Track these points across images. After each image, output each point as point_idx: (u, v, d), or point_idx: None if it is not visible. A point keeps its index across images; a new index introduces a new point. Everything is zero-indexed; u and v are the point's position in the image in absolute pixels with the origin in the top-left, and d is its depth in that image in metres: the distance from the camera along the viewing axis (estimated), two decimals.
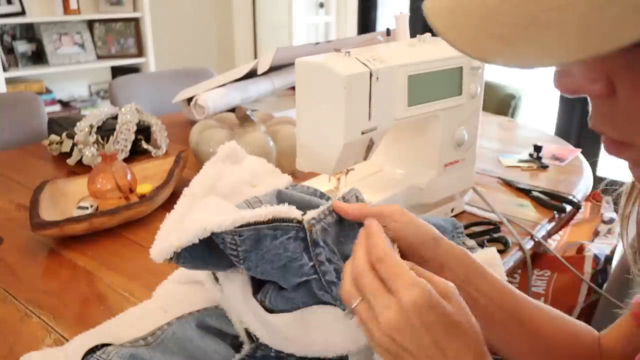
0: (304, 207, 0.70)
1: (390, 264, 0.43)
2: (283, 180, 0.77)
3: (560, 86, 0.33)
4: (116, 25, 3.21)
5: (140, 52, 3.27)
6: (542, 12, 0.27)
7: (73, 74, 3.18)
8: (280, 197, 0.68)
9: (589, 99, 0.34)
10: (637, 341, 0.51)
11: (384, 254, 0.44)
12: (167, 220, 0.65)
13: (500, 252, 0.82)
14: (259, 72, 1.37)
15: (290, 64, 1.49)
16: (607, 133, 0.34)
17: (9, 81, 2.80)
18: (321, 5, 3.54)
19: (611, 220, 1.17)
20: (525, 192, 1.06)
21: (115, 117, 1.29)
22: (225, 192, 0.74)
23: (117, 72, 3.19)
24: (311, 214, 0.51)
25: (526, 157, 1.25)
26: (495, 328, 0.53)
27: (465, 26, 0.30)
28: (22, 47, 2.96)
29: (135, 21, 3.22)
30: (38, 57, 3.00)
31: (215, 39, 3.79)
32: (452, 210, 0.96)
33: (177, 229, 0.51)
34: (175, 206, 0.68)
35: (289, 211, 0.50)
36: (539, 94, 2.69)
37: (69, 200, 0.99)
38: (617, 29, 0.25)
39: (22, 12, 2.83)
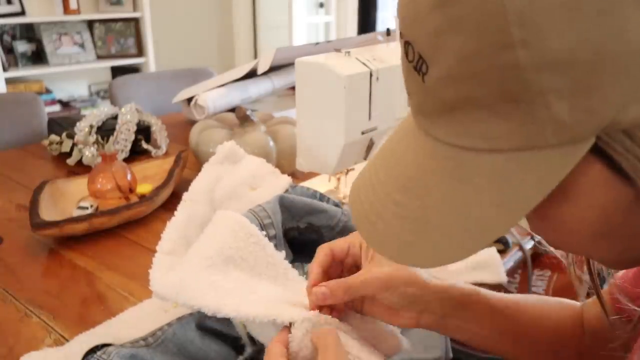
0: (305, 211, 0.70)
1: None
2: (282, 182, 0.77)
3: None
4: (116, 25, 3.20)
5: (140, 52, 3.26)
6: (430, 222, 0.33)
7: (73, 74, 3.18)
8: (282, 203, 0.68)
9: None
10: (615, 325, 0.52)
11: None
12: (168, 230, 0.65)
13: (500, 252, 0.82)
14: (259, 72, 1.37)
15: (290, 64, 1.49)
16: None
17: (9, 81, 2.80)
18: (321, 5, 3.54)
19: None
20: None
21: (115, 117, 1.29)
22: (225, 196, 0.74)
23: (117, 72, 3.19)
24: None
25: None
26: (481, 342, 0.54)
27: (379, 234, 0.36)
28: (22, 47, 2.95)
29: (135, 21, 3.22)
30: (38, 57, 3.00)
31: (215, 39, 3.79)
32: None
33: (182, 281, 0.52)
34: (175, 213, 0.68)
35: None
36: None
37: (69, 200, 0.99)
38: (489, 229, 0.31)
39: (22, 12, 2.83)
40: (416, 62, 0.32)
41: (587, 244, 0.34)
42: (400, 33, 0.34)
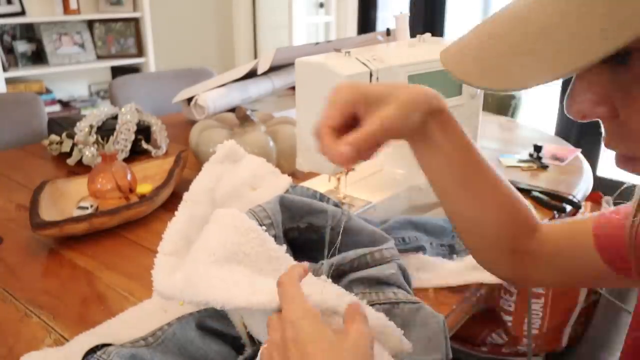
0: (305, 212, 0.70)
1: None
2: (283, 182, 0.77)
3: (572, 113, 0.37)
4: (116, 25, 3.20)
5: (140, 52, 3.26)
6: (523, 42, 0.33)
7: (73, 74, 3.18)
8: (283, 203, 0.68)
9: (600, 121, 0.38)
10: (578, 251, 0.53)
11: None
12: (169, 230, 0.65)
13: None
14: (259, 72, 1.37)
15: (290, 64, 1.49)
16: (618, 150, 0.38)
17: (9, 81, 2.80)
18: (321, 5, 3.54)
19: None
20: (526, 192, 1.06)
21: (115, 117, 1.29)
22: (225, 196, 0.74)
23: (117, 72, 3.19)
24: None
25: (526, 157, 1.25)
26: (436, 174, 0.56)
27: (467, 61, 0.36)
28: (22, 47, 2.95)
29: (135, 21, 3.22)
30: (38, 57, 3.00)
31: (215, 39, 3.79)
32: None
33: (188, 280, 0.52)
34: (176, 213, 0.68)
35: None
36: (539, 94, 2.69)
37: (69, 200, 0.99)
38: (586, 48, 0.29)
39: (22, 12, 2.83)
40: None
41: None
42: None
